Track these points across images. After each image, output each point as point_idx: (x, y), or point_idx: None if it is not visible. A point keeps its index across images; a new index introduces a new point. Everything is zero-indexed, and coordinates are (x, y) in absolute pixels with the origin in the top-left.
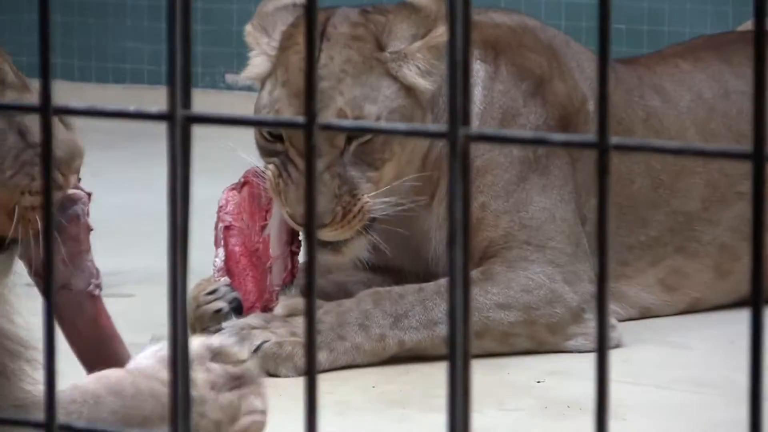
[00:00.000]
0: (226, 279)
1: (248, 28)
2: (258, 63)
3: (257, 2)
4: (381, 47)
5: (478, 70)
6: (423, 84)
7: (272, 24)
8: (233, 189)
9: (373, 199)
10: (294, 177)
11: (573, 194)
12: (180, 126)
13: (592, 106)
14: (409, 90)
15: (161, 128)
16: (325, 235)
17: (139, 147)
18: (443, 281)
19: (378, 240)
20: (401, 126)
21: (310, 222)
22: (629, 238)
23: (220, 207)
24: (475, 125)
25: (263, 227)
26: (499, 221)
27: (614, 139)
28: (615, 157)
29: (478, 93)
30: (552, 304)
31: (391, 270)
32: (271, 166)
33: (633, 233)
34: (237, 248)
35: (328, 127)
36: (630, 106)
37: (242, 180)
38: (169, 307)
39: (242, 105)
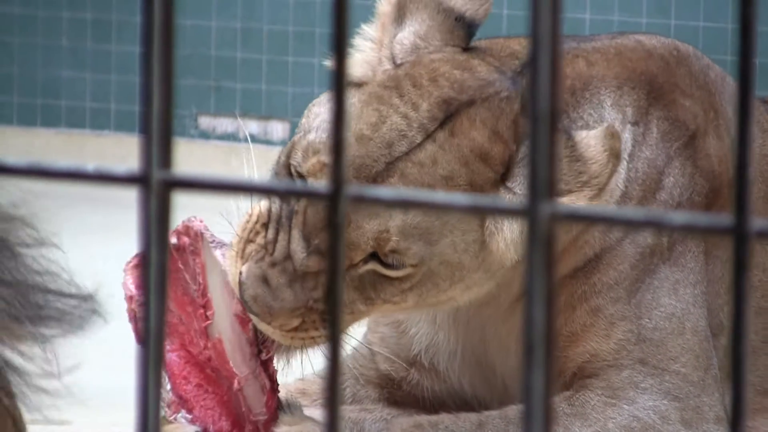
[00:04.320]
0: (182, 416)
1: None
2: (363, 61)
3: (245, 20)
4: (506, 172)
5: (627, 139)
6: (507, 257)
7: (414, 13)
8: (138, 264)
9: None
10: (281, 248)
11: (706, 295)
12: (157, 192)
13: (751, 172)
14: (486, 252)
15: (118, 194)
16: (261, 323)
17: (79, 217)
18: (512, 411)
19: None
20: (460, 199)
21: (334, 338)
22: None
23: (129, 298)
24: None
25: (206, 328)
26: (613, 330)
27: (758, 222)
28: (763, 246)
29: (622, 170)
30: None
31: (443, 391)
32: (264, 203)
33: None
34: (176, 354)
35: (360, 199)
36: None
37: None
38: None
39: (221, 159)
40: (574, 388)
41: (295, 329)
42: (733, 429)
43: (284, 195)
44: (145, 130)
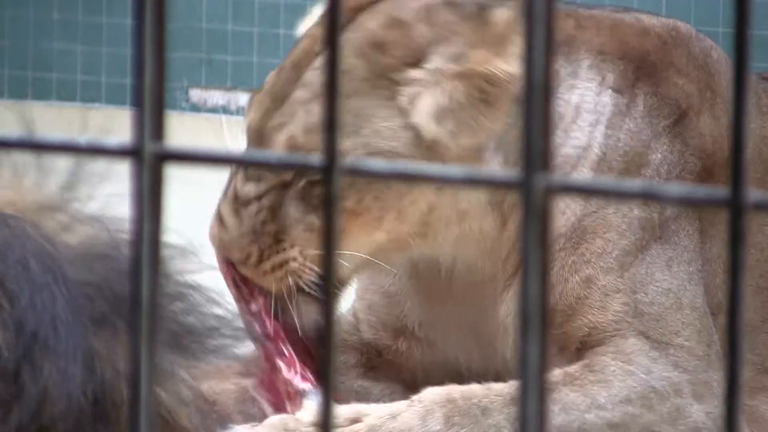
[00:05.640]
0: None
1: None
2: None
3: None
4: (417, 60)
5: (606, 104)
6: (430, 129)
7: None
8: None
9: (306, 261)
10: (230, 188)
11: (702, 273)
12: (149, 165)
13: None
14: (420, 135)
15: (109, 168)
16: (243, 270)
17: None
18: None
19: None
20: (455, 171)
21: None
22: None
23: None
24: (589, 176)
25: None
26: (608, 302)
27: (754, 194)
28: (760, 227)
29: (599, 135)
30: (675, 425)
31: (432, 363)
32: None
33: None
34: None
35: (355, 172)
36: None
37: None
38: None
39: (214, 132)
40: (586, 357)
41: (260, 261)
42: (728, 404)
43: (277, 167)
44: (137, 103)
